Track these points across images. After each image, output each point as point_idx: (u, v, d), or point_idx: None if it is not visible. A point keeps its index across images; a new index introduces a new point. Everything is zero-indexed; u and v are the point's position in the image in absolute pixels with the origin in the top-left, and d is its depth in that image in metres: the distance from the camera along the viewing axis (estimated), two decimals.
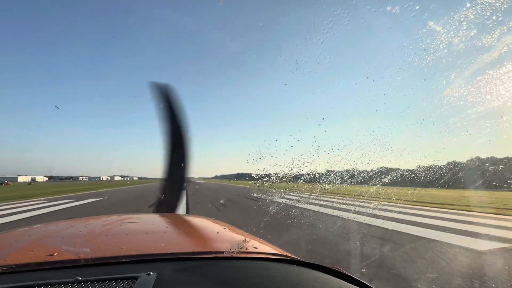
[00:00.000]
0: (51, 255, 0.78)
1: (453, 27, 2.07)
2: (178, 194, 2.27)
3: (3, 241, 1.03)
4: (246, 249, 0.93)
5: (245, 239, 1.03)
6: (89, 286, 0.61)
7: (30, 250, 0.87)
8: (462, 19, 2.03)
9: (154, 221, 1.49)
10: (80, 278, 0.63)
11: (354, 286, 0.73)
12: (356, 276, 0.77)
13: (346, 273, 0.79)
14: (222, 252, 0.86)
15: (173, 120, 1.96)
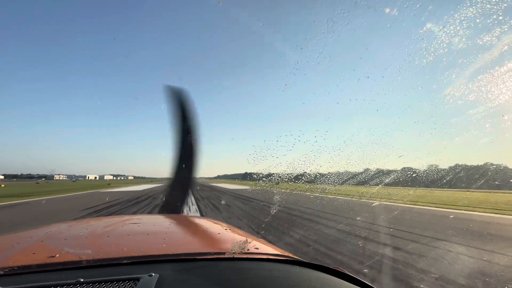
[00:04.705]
0: (53, 256, 0.78)
1: (453, 26, 2.06)
2: (185, 195, 2.31)
3: (6, 243, 1.03)
4: (248, 249, 0.92)
5: (246, 240, 1.02)
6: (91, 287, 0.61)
7: (32, 251, 0.87)
8: (462, 18, 2.02)
9: (156, 222, 1.49)
10: (82, 280, 0.63)
11: (356, 286, 0.72)
12: (358, 276, 0.77)
13: (348, 273, 0.79)
14: (224, 253, 0.85)
15: (185, 122, 2.00)
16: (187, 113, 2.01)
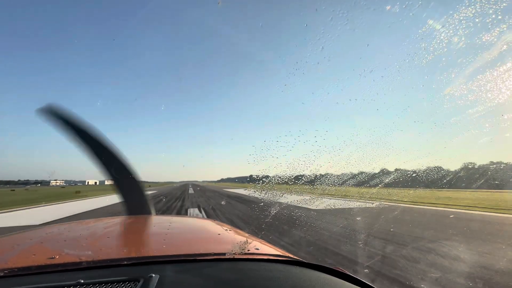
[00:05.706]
0: (53, 258, 0.78)
1: (453, 26, 2.07)
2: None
3: (5, 244, 1.03)
4: (248, 250, 0.92)
5: (246, 241, 1.02)
6: None
7: (32, 253, 0.87)
8: (461, 18, 2.03)
9: (156, 223, 1.49)
10: (82, 281, 0.63)
11: (356, 286, 0.72)
12: (358, 276, 0.77)
13: (348, 273, 0.79)
14: (224, 254, 0.85)
15: (79, 132, 1.93)
16: (74, 122, 1.91)
